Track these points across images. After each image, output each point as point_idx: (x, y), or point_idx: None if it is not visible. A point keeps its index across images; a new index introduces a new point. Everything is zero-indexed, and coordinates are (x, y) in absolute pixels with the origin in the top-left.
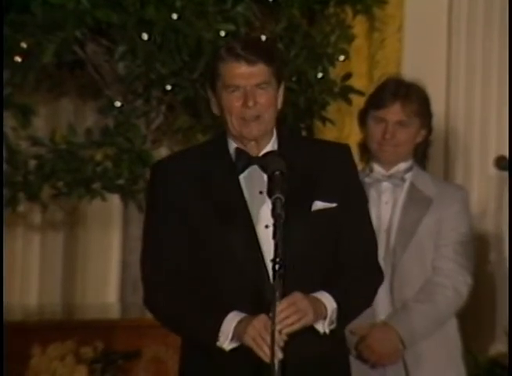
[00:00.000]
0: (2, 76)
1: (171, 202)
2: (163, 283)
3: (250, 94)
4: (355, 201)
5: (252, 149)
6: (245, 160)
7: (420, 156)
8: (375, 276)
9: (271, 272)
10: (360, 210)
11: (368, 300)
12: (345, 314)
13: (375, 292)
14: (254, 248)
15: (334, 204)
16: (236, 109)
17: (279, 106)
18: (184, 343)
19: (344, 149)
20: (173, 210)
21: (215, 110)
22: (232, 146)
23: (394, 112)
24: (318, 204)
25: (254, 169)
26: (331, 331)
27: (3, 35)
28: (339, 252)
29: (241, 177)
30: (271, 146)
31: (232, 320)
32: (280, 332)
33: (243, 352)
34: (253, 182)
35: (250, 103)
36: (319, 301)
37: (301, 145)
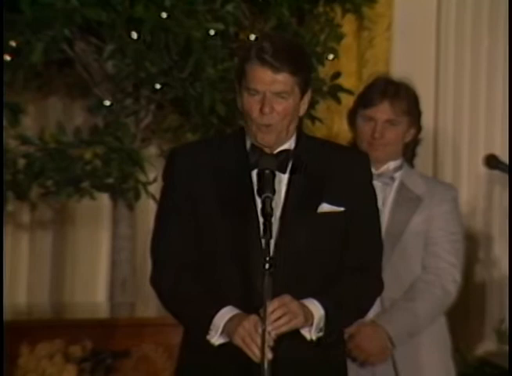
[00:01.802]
0: (2, 77)
1: (184, 190)
2: (169, 267)
3: (268, 101)
4: (365, 210)
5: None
6: (258, 156)
7: (410, 155)
8: (374, 287)
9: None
10: (369, 219)
11: (362, 310)
12: (334, 322)
13: (371, 303)
14: (255, 243)
15: (341, 209)
16: (254, 113)
17: (302, 112)
18: (183, 340)
19: (362, 157)
20: (184, 199)
21: (239, 103)
22: (249, 141)
23: (383, 111)
24: (324, 207)
25: None
26: (319, 339)
27: (3, 36)
28: (343, 258)
29: (253, 173)
30: (287, 144)
31: (224, 316)
32: (269, 333)
33: (235, 350)
34: None
35: (267, 110)
36: (306, 307)
37: (319, 147)
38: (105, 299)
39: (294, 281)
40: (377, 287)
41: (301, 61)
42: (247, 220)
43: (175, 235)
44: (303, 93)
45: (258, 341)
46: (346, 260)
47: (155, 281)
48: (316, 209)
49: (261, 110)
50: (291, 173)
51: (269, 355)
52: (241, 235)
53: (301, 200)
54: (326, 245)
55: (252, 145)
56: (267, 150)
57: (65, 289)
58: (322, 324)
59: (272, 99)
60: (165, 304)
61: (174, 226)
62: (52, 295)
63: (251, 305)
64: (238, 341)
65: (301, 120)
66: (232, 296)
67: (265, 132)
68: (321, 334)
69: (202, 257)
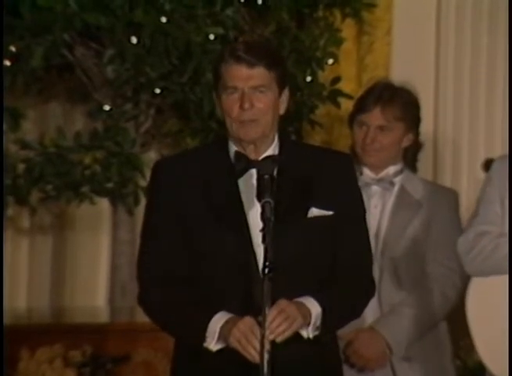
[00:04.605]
0: (2, 77)
1: (170, 203)
2: (157, 283)
3: (246, 96)
4: (352, 212)
5: (251, 153)
6: (244, 163)
7: (411, 159)
8: (367, 289)
9: (261, 275)
10: (357, 221)
11: (356, 310)
12: (331, 320)
13: (365, 304)
14: (246, 251)
15: (330, 212)
16: (233, 111)
17: (282, 111)
18: (176, 344)
19: (345, 158)
20: (171, 211)
21: (219, 112)
22: (232, 149)
23: (375, 116)
24: (314, 211)
25: (253, 173)
26: (316, 337)
27: (3, 40)
28: (335, 260)
29: (240, 180)
30: (271, 150)
31: (218, 321)
32: (267, 337)
33: (232, 354)
34: (251, 186)
35: (246, 106)
36: (303, 306)
37: (302, 151)
38: (105, 304)
39: (288, 286)
40: (370, 288)
41: (274, 56)
42: (238, 228)
43: (162, 251)
44: (281, 90)
45: (254, 342)
46: (338, 262)
47: (143, 299)
48: (306, 214)
49: (241, 106)
50: (278, 178)
51: (266, 357)
52: (233, 244)
53: (290, 206)
54: (317, 249)
55: (236, 153)
56: (252, 157)
57: (65, 293)
58: (319, 322)
59: (250, 95)
60: (155, 319)
61: (161, 242)
62: (52, 300)
63: (249, 311)
64: (234, 343)
65: (300, 125)
66: (228, 304)
67: (249, 127)
68: (317, 332)
69: (192, 268)
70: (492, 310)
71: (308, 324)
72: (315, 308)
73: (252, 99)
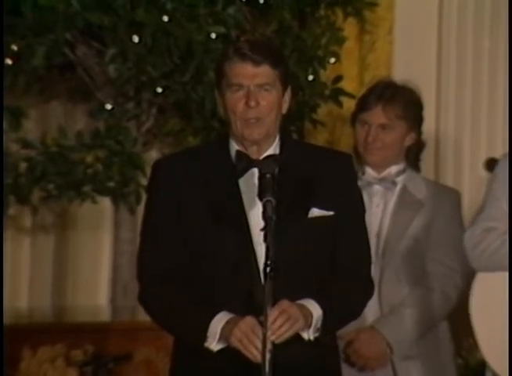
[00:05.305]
0: (2, 77)
1: (170, 201)
2: (157, 282)
3: (252, 94)
4: (352, 213)
5: (253, 152)
6: (245, 162)
7: (413, 159)
8: (365, 290)
9: (262, 275)
10: (356, 222)
11: (355, 311)
12: (331, 322)
13: (364, 304)
14: (247, 250)
15: (331, 213)
16: (238, 109)
17: (285, 111)
18: (176, 343)
19: (346, 158)
20: (171, 210)
21: (221, 111)
22: (234, 148)
23: (376, 115)
24: (315, 212)
25: (254, 172)
26: (315, 338)
27: (4, 40)
28: (334, 261)
29: (240, 180)
30: (272, 149)
31: (219, 321)
32: (269, 337)
33: (232, 353)
34: (252, 185)
35: (252, 103)
36: (305, 307)
37: (303, 151)
38: (106, 303)
39: (288, 285)
40: (369, 288)
41: (278, 55)
42: (238, 228)
43: (162, 250)
44: (284, 88)
45: (256, 341)
46: (337, 262)
47: (143, 298)
48: (306, 214)
49: (246, 103)
50: (279, 178)
51: (268, 357)
52: (233, 243)
53: (290, 205)
54: (318, 248)
55: (237, 152)
56: (254, 157)
57: (66, 293)
58: (319, 324)
59: (256, 93)
60: (156, 318)
61: (161, 241)
62: (54, 299)
63: (250, 311)
64: (235, 343)
65: (302, 124)
66: (229, 304)
67: (253, 127)
68: (317, 334)
69: (192, 267)
70: (496, 308)
71: (309, 326)
72: (316, 310)
73: (257, 97)
